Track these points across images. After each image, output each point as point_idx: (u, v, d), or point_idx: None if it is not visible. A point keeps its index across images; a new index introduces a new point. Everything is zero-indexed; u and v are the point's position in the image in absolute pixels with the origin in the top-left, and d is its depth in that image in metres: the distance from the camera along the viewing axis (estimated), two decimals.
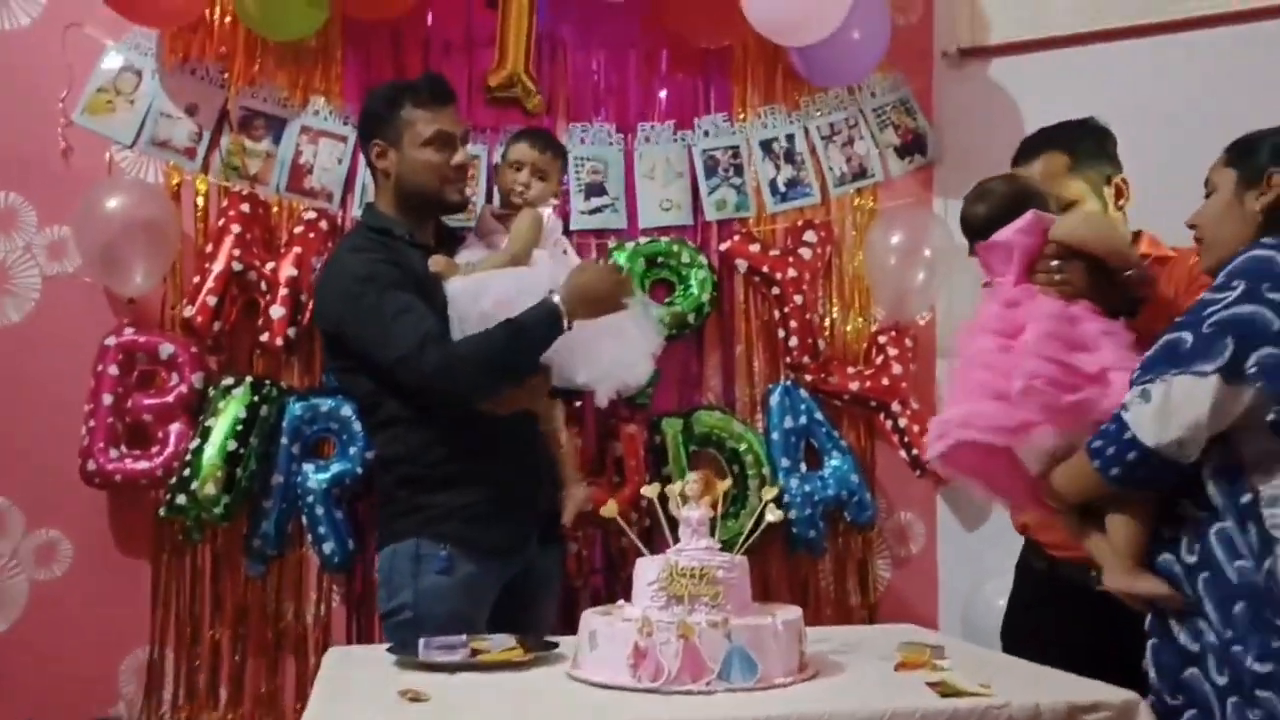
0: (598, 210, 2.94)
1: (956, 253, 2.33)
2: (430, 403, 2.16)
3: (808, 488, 2.86)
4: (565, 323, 2.14)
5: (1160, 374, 1.62)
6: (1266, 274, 1.61)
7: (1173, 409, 1.59)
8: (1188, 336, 1.62)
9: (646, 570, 1.62)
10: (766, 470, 2.84)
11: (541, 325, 2.14)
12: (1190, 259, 1.93)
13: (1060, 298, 1.81)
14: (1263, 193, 1.72)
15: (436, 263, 2.25)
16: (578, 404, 2.76)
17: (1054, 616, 2.08)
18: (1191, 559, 1.66)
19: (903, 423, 2.94)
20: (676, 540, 1.67)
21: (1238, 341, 1.58)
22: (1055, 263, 1.83)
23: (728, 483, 1.73)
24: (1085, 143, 2.07)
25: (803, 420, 2.89)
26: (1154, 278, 1.88)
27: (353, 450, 2.71)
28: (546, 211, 2.40)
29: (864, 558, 2.98)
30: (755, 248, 2.95)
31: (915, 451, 2.90)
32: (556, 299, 2.14)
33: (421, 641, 1.76)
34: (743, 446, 2.85)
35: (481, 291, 2.19)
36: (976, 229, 1.95)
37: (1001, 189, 1.96)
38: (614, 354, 2.26)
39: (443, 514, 2.18)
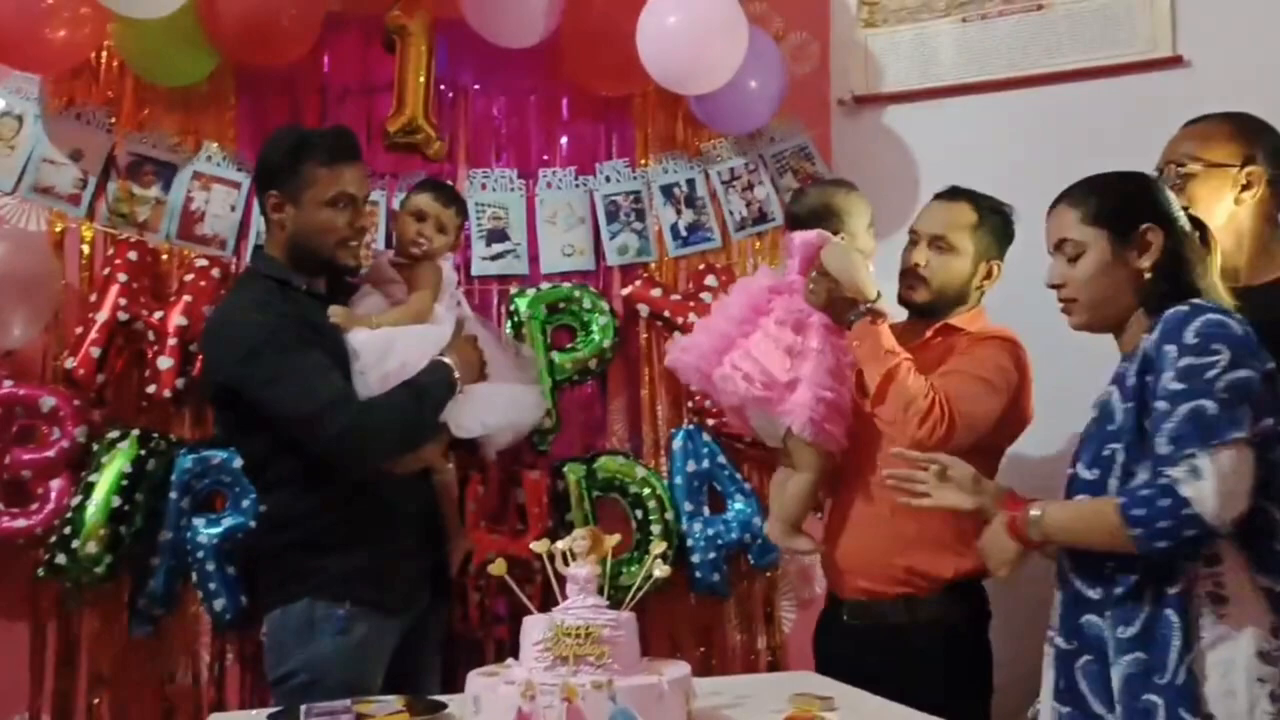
0: (499, 256, 2.92)
1: None
2: (334, 462, 2.11)
3: (711, 531, 2.85)
4: (458, 387, 2.13)
5: (1198, 447, 1.59)
6: (1233, 337, 1.64)
7: (1231, 484, 1.58)
8: (1209, 405, 1.60)
9: (532, 630, 1.60)
10: (670, 515, 2.84)
11: (439, 386, 2.14)
12: (967, 338, 2.30)
13: (808, 304, 2.26)
14: (1144, 251, 1.76)
15: (336, 314, 2.22)
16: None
17: (837, 640, 2.40)
18: (1122, 635, 1.65)
19: None
20: (567, 596, 1.65)
21: (1252, 407, 1.61)
22: (815, 275, 2.25)
23: (616, 538, 1.71)
24: (994, 219, 2.33)
25: (705, 464, 2.89)
26: (881, 312, 2.25)
27: (245, 504, 2.63)
28: (447, 265, 2.39)
29: (768, 600, 2.98)
30: (657, 292, 2.96)
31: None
32: (449, 360, 2.14)
33: (304, 708, 1.71)
34: (646, 491, 2.84)
35: (389, 346, 2.17)
36: (788, 221, 2.47)
37: (813, 198, 2.40)
38: (499, 405, 2.25)
39: (339, 574, 2.14)
